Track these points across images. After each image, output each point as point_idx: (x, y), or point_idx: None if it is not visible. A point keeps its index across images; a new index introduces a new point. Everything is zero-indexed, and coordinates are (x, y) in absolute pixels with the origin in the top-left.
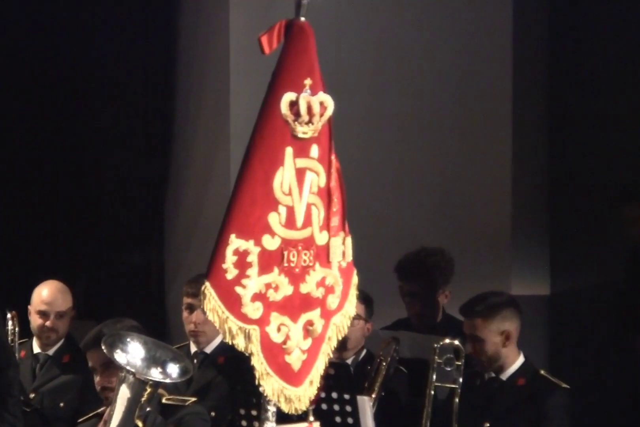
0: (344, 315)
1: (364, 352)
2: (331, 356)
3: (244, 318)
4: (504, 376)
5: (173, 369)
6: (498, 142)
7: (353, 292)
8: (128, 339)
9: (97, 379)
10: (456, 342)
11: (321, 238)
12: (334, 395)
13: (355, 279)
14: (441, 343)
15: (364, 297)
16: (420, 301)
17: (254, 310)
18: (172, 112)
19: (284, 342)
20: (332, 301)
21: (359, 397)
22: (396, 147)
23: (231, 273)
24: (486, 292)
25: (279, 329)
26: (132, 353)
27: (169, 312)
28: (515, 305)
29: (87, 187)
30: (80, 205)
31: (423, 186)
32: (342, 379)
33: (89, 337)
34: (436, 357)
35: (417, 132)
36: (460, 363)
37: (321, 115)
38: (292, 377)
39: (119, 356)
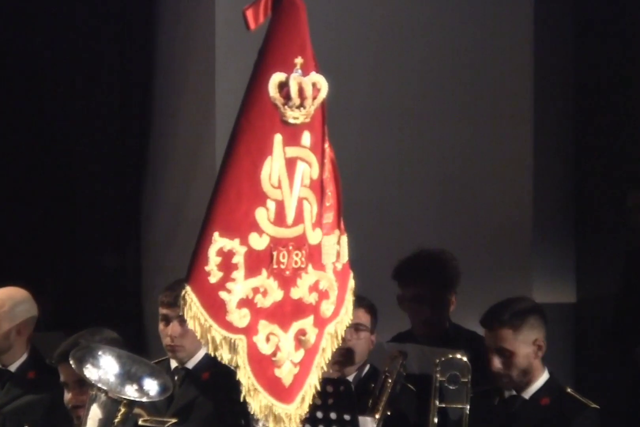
0: (339, 323)
1: (367, 367)
2: (325, 369)
3: (229, 327)
4: (527, 395)
5: (151, 387)
6: (518, 135)
7: (349, 298)
8: (100, 353)
9: (68, 396)
10: (459, 355)
11: (314, 237)
12: (333, 415)
13: (351, 283)
14: (443, 358)
15: (370, 306)
16: (424, 307)
17: (240, 317)
18: (151, 97)
19: (274, 354)
20: (327, 308)
21: (361, 418)
22: (400, 136)
23: (215, 276)
24: (508, 299)
25: (268, 339)
26: (104, 368)
27: (146, 322)
28: (541, 311)
29: (54, 180)
30: (46, 202)
31: (432, 181)
32: (342, 397)
33: (63, 348)
34: (438, 375)
35: (423, 119)
36: (466, 380)
37: (314, 98)
38: (282, 393)
39: (90, 372)
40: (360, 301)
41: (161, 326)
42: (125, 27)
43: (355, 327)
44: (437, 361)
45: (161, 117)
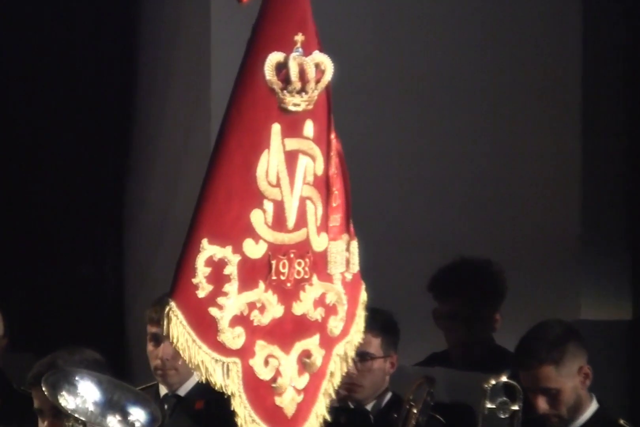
0: (349, 343)
1: (389, 395)
2: (333, 396)
3: (220, 348)
4: None
5: (137, 417)
6: (565, 135)
7: (360, 314)
8: (77, 378)
9: (43, 425)
10: (505, 379)
11: (319, 242)
12: None
13: (363, 296)
14: (493, 382)
15: (382, 325)
16: (462, 326)
17: (233, 338)
18: (135, 82)
19: (274, 380)
20: (335, 325)
21: None
22: (425, 129)
23: (203, 290)
24: (537, 328)
25: (266, 363)
26: (82, 396)
27: (130, 341)
28: (577, 333)
29: (22, 178)
30: (14, 204)
31: (465, 182)
32: None
33: (37, 370)
34: (487, 401)
35: (455, 112)
36: (517, 408)
37: (317, 81)
38: (284, 425)
39: (65, 400)
40: (371, 319)
41: (150, 346)
42: (109, 9)
43: (360, 356)
44: (486, 386)
45: (146, 105)
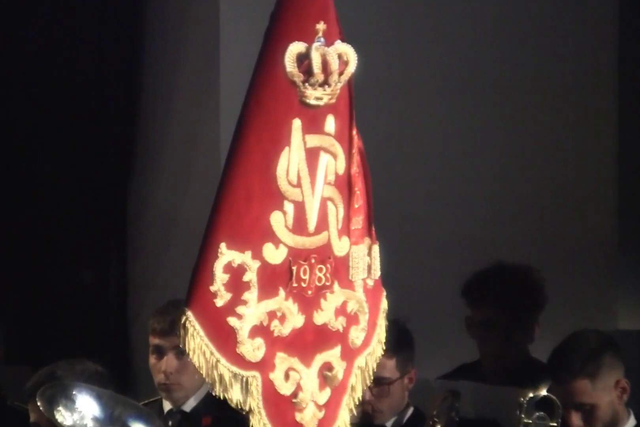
0: (370, 355)
1: (410, 410)
2: (354, 412)
3: (240, 361)
4: None
5: None
6: (601, 136)
7: (382, 323)
8: (74, 392)
9: None
10: (544, 392)
11: (340, 247)
12: None
13: (384, 304)
14: (531, 396)
15: (395, 342)
16: (496, 336)
17: (253, 349)
18: (140, 74)
19: (294, 395)
20: (356, 336)
21: None
22: (453, 125)
23: (222, 298)
24: (571, 338)
25: (287, 376)
26: (80, 411)
27: (135, 352)
28: (614, 343)
29: (20, 179)
30: (10, 207)
31: (499, 185)
32: None
33: (34, 382)
34: (523, 415)
35: (485, 110)
36: (555, 424)
37: (340, 73)
38: None
39: (62, 416)
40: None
41: (152, 359)
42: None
43: (375, 382)
44: (522, 399)
45: (152, 100)
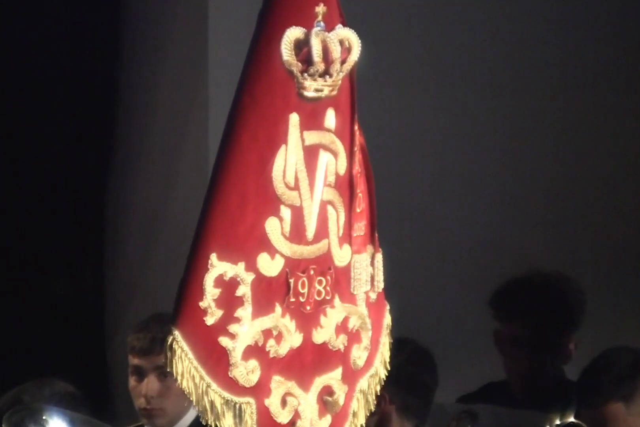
0: (373, 377)
1: None
2: None
3: (232, 386)
4: None
5: None
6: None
7: (385, 341)
8: (44, 417)
9: None
10: (572, 419)
11: (341, 256)
12: None
13: (388, 319)
14: (558, 423)
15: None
16: (527, 353)
17: (247, 373)
18: (120, 64)
19: (292, 423)
20: (358, 356)
21: None
22: (470, 119)
23: (213, 315)
24: (600, 358)
25: (284, 402)
26: None
27: (112, 372)
28: None
29: None
30: None
31: (526, 183)
32: None
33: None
34: None
35: (509, 103)
36: None
37: (342, 62)
38: None
39: None
40: (397, 353)
41: (132, 381)
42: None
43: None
44: (548, 426)
45: (133, 89)
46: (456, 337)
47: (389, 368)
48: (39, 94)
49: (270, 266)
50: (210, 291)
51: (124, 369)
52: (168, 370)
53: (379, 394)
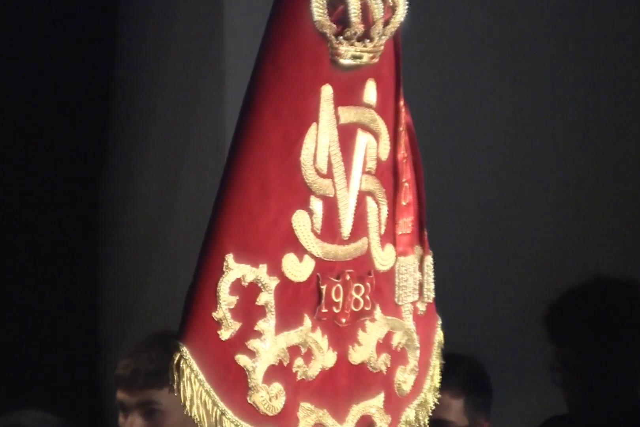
0: (422, 405)
1: None
2: None
3: (252, 414)
4: None
5: None
6: None
7: (436, 363)
8: None
9: None
10: None
11: (384, 259)
12: None
13: (440, 336)
14: None
15: (465, 380)
16: (592, 380)
17: (270, 398)
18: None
19: None
20: (404, 379)
21: None
22: (545, 106)
23: (229, 328)
24: None
25: None
26: None
27: (104, 399)
28: None
29: None
30: None
31: (589, 180)
32: None
33: None
34: None
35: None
36: None
37: (385, 23)
38: None
39: None
40: (448, 371)
41: (120, 417)
42: None
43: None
44: None
45: (132, 59)
46: (511, 358)
47: (439, 396)
48: (36, 79)
49: (297, 269)
50: (226, 299)
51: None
52: (175, 394)
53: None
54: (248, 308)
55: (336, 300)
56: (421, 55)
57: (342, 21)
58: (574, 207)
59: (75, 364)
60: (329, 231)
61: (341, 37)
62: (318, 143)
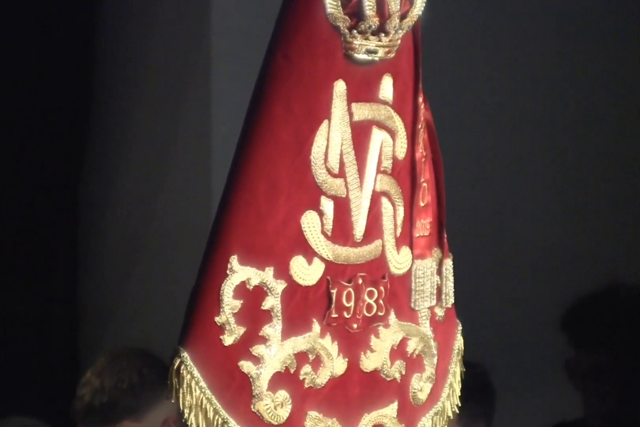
0: (439, 415)
1: None
2: None
3: (255, 423)
4: None
5: None
6: None
7: (456, 371)
8: None
9: None
10: None
11: (399, 262)
12: None
13: (460, 343)
14: None
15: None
16: (611, 388)
17: (275, 406)
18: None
19: None
20: (420, 388)
21: None
22: (569, 103)
23: (232, 333)
24: None
25: None
26: None
27: None
28: None
29: None
30: None
31: (607, 183)
32: None
33: None
34: None
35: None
36: None
37: (402, 16)
38: None
39: None
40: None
41: None
42: None
43: None
44: None
45: (116, 49)
46: (522, 363)
47: (459, 404)
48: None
49: (306, 272)
50: (229, 303)
51: None
52: (173, 402)
53: None
54: (253, 313)
55: (347, 305)
56: (443, 49)
57: (356, 14)
58: (589, 212)
59: (56, 369)
60: (341, 232)
61: (355, 31)
62: (330, 141)
